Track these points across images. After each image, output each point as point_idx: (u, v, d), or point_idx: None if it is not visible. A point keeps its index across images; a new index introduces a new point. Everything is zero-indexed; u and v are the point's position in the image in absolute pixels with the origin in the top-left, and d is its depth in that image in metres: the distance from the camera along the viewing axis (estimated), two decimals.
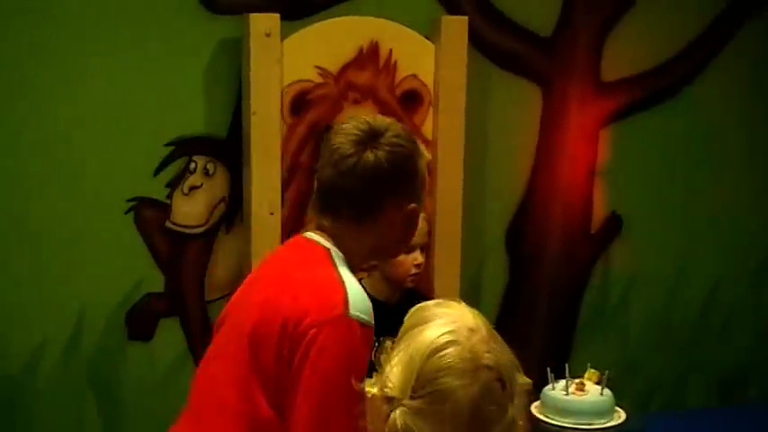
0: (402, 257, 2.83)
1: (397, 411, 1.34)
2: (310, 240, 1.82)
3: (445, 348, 1.35)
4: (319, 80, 3.01)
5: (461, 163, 3.17)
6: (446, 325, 1.38)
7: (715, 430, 3.00)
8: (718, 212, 3.65)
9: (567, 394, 2.74)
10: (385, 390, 1.36)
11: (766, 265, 3.75)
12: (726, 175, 3.65)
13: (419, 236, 2.88)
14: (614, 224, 3.55)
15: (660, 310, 3.64)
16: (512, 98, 3.36)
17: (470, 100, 3.13)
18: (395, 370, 1.36)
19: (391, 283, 2.87)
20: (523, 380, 1.45)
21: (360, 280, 2.89)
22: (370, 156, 1.78)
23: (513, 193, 3.42)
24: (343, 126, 1.85)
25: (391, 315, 2.69)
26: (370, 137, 1.79)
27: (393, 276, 2.85)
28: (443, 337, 1.36)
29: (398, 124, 1.86)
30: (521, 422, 1.41)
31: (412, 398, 1.34)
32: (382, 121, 1.85)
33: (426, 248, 2.97)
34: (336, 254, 1.80)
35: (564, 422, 2.70)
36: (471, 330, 1.38)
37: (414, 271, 2.86)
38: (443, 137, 3.14)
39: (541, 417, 2.75)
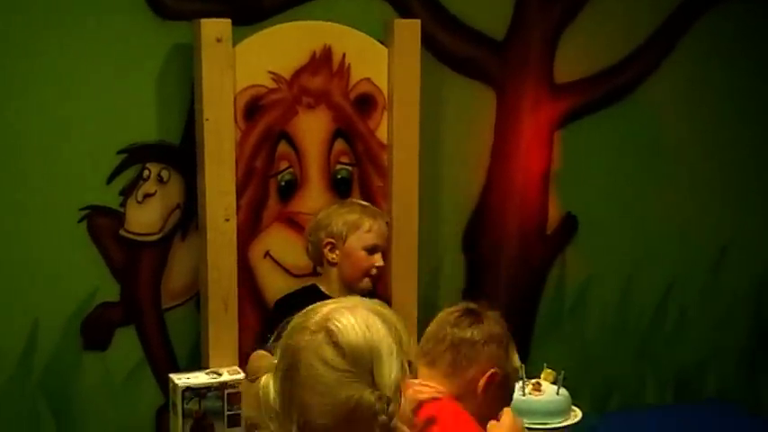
0: (364, 257, 2.85)
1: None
2: None
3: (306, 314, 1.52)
4: (272, 85, 3.01)
5: (417, 166, 3.17)
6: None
7: (671, 428, 3.02)
8: (672, 212, 3.69)
9: (524, 394, 2.76)
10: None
11: (720, 264, 3.80)
12: (679, 175, 3.69)
13: (381, 239, 2.91)
14: (569, 225, 3.57)
15: (616, 310, 3.67)
16: (466, 101, 3.38)
17: (425, 103, 3.14)
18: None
19: (347, 282, 2.89)
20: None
21: (314, 286, 2.92)
22: None
23: (469, 195, 3.44)
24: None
25: None
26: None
27: (350, 277, 2.87)
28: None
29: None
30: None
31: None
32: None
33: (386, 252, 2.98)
34: None
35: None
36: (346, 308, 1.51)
37: (373, 272, 2.88)
38: (398, 140, 3.15)
39: None
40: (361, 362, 1.45)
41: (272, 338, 1.55)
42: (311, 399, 1.45)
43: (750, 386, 3.88)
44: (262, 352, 2.84)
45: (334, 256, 2.89)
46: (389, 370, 1.46)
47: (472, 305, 2.06)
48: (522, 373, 2.79)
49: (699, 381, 3.82)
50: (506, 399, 2.03)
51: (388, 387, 1.45)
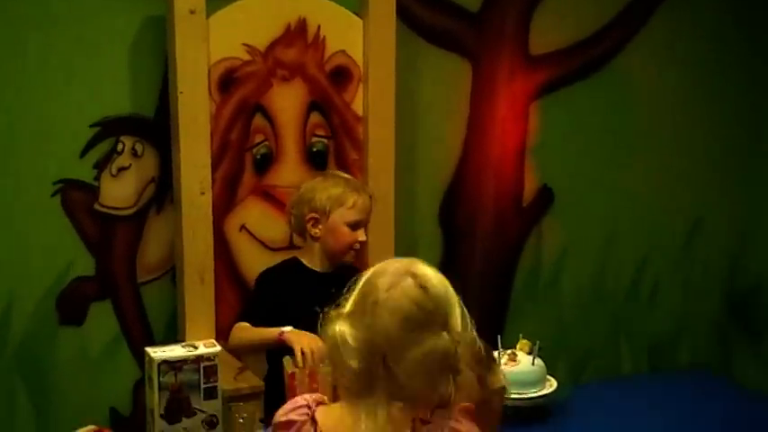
0: (347, 233, 2.85)
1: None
2: None
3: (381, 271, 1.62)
4: (247, 57, 2.99)
5: (393, 139, 3.17)
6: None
7: (646, 396, 3.05)
8: (646, 184, 3.71)
9: (500, 365, 2.77)
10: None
11: (694, 234, 3.82)
12: (654, 147, 3.71)
13: (364, 214, 2.90)
14: (545, 197, 3.59)
15: (591, 281, 3.70)
16: (441, 73, 3.37)
17: (400, 76, 3.13)
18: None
19: (329, 256, 2.90)
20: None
21: (295, 258, 2.92)
22: None
23: (446, 168, 3.44)
24: None
25: (324, 284, 2.78)
26: None
27: (333, 250, 2.88)
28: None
29: None
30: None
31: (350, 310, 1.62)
32: None
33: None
34: None
35: None
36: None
37: (356, 247, 2.88)
38: (374, 113, 3.14)
39: None
40: (441, 304, 1.57)
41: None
42: (395, 332, 1.55)
43: (722, 355, 3.92)
44: (244, 324, 2.84)
45: (317, 230, 2.87)
46: (460, 317, 1.59)
47: None
48: (498, 343, 2.81)
49: (673, 350, 3.86)
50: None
51: (457, 332, 1.57)
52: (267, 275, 2.95)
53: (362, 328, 1.58)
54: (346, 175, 2.98)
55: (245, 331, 2.84)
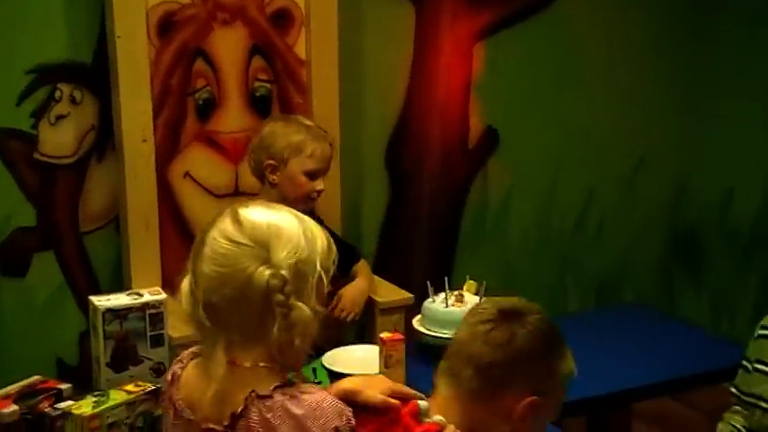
0: (305, 182, 2.80)
1: None
2: None
3: None
4: (186, 0, 2.93)
5: (337, 82, 3.14)
6: None
7: (590, 331, 3.09)
8: (590, 123, 3.73)
9: (447, 306, 2.80)
10: None
11: (638, 172, 3.86)
12: (597, 86, 3.72)
13: (323, 162, 2.85)
14: (491, 138, 3.59)
15: (537, 221, 3.73)
16: (384, 16, 3.34)
17: (343, 18, 3.10)
18: None
19: (287, 204, 2.81)
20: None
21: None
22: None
23: (391, 111, 3.42)
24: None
25: None
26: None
27: (290, 198, 2.81)
28: None
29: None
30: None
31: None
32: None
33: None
34: None
35: (444, 333, 2.76)
36: None
37: (313, 196, 2.84)
38: (317, 57, 3.11)
39: (422, 329, 2.80)
40: (259, 238, 1.50)
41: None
42: (210, 270, 1.50)
43: (666, 291, 4.00)
44: None
45: (275, 177, 2.82)
46: (289, 252, 1.49)
47: (509, 305, 1.70)
48: (446, 285, 2.83)
49: (618, 288, 3.92)
50: (550, 418, 1.73)
51: (284, 267, 1.48)
52: None
53: (190, 271, 1.55)
54: (308, 122, 2.90)
55: None
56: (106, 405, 2.20)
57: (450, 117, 3.51)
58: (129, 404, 2.24)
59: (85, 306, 2.60)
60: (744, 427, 2.33)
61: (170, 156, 3.04)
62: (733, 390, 2.38)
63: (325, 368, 2.57)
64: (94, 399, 2.23)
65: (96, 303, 2.42)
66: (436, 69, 3.45)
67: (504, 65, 3.54)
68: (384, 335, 2.59)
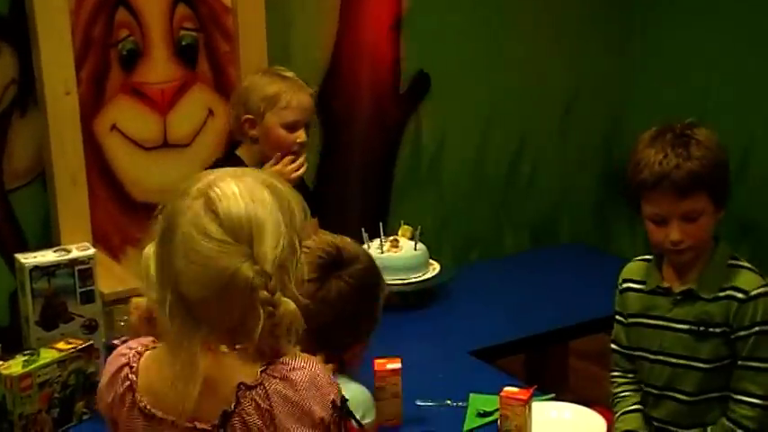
0: (283, 135, 2.71)
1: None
2: None
3: None
4: None
5: (264, 28, 3.09)
6: None
7: (527, 271, 3.13)
8: (521, 64, 3.71)
9: (383, 252, 2.79)
10: None
11: (570, 114, 3.87)
12: (526, 27, 3.70)
13: (302, 113, 2.74)
14: (422, 82, 3.57)
15: (472, 165, 3.72)
16: None
17: None
18: None
19: (268, 159, 2.75)
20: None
21: (234, 154, 2.79)
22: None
23: (320, 57, 3.37)
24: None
25: None
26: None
27: (271, 153, 2.72)
28: None
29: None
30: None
31: None
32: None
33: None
34: None
35: None
36: None
37: (294, 149, 2.74)
38: (242, 3, 3.05)
39: None
40: (240, 233, 1.35)
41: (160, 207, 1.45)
42: (186, 267, 1.36)
43: (601, 230, 4.04)
44: None
45: (255, 132, 2.72)
46: (272, 245, 1.36)
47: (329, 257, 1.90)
48: (381, 230, 2.82)
49: (554, 229, 3.95)
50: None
51: (269, 262, 1.35)
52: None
53: (159, 257, 1.40)
54: (287, 73, 2.78)
55: None
56: (37, 364, 2.17)
57: (380, 62, 3.48)
58: (61, 362, 2.21)
59: (14, 265, 2.54)
60: (634, 381, 2.26)
61: (95, 109, 2.98)
62: (614, 346, 2.28)
63: None
64: (24, 358, 2.19)
65: (23, 261, 2.37)
66: (364, 12, 3.40)
67: (433, 6, 3.50)
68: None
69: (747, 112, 3.53)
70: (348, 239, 1.98)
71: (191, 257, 1.36)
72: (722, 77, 3.60)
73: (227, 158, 2.79)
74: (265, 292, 1.35)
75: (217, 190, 1.37)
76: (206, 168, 2.76)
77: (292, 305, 1.37)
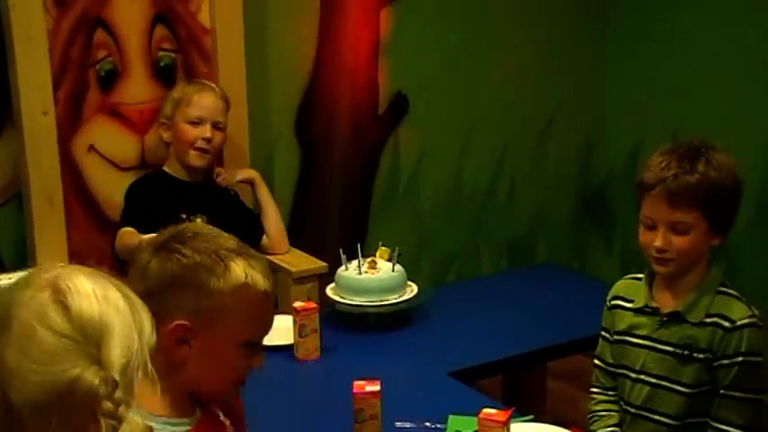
0: (188, 129, 2.85)
1: None
2: None
3: None
4: None
5: (242, 50, 3.10)
6: None
7: (504, 292, 3.13)
8: (500, 83, 3.73)
9: (360, 273, 2.79)
10: None
11: (549, 132, 3.89)
12: (504, 46, 3.72)
13: (206, 111, 2.88)
14: (401, 103, 3.58)
15: (449, 185, 3.74)
16: None
17: None
18: None
19: (180, 160, 2.92)
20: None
21: (161, 169, 2.91)
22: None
23: (299, 79, 3.38)
24: None
25: (193, 193, 2.78)
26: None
27: (180, 153, 2.97)
28: None
29: None
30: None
31: None
32: None
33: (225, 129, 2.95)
34: None
35: (358, 301, 2.76)
36: None
37: (198, 144, 2.85)
38: (221, 25, 3.06)
39: (336, 297, 2.80)
40: (91, 332, 1.17)
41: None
42: (21, 364, 1.16)
43: (578, 250, 4.06)
44: (130, 228, 2.77)
45: (168, 136, 2.92)
46: (121, 350, 1.18)
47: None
48: (359, 252, 2.82)
49: (530, 248, 3.96)
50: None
51: (116, 369, 1.16)
52: (133, 185, 2.94)
53: None
54: (202, 82, 2.98)
55: (130, 236, 2.75)
56: None
57: (358, 83, 3.49)
58: None
59: None
60: (613, 401, 2.25)
61: (73, 129, 2.96)
62: (597, 362, 2.28)
63: None
64: None
65: None
66: (344, 35, 3.41)
67: (412, 29, 3.52)
68: (297, 304, 2.58)
69: (730, 132, 3.48)
70: None
71: (29, 354, 1.16)
72: (701, 95, 3.60)
73: (153, 173, 2.97)
74: (109, 404, 1.15)
75: (69, 283, 1.20)
76: (133, 182, 2.89)
77: (140, 424, 1.19)
